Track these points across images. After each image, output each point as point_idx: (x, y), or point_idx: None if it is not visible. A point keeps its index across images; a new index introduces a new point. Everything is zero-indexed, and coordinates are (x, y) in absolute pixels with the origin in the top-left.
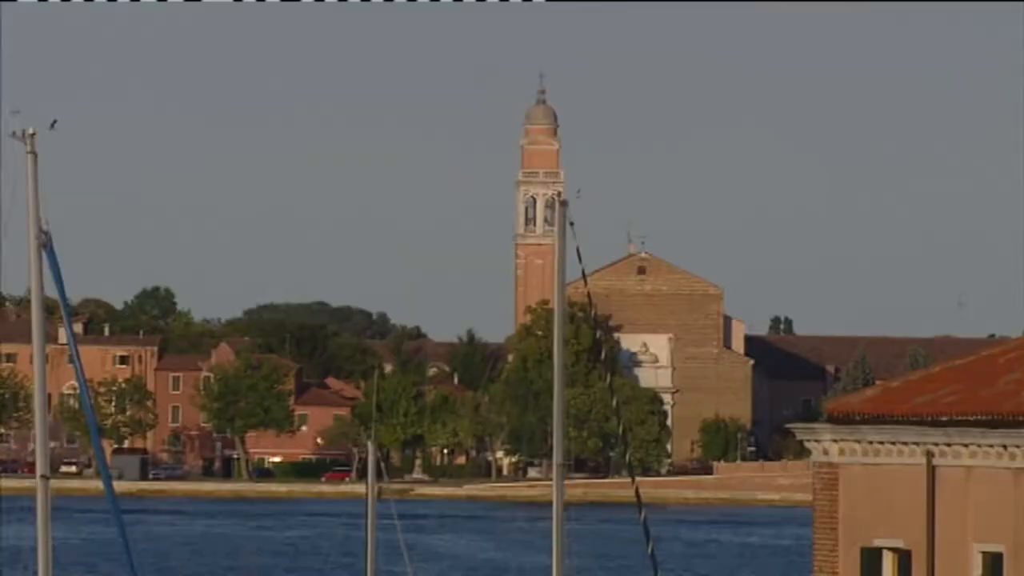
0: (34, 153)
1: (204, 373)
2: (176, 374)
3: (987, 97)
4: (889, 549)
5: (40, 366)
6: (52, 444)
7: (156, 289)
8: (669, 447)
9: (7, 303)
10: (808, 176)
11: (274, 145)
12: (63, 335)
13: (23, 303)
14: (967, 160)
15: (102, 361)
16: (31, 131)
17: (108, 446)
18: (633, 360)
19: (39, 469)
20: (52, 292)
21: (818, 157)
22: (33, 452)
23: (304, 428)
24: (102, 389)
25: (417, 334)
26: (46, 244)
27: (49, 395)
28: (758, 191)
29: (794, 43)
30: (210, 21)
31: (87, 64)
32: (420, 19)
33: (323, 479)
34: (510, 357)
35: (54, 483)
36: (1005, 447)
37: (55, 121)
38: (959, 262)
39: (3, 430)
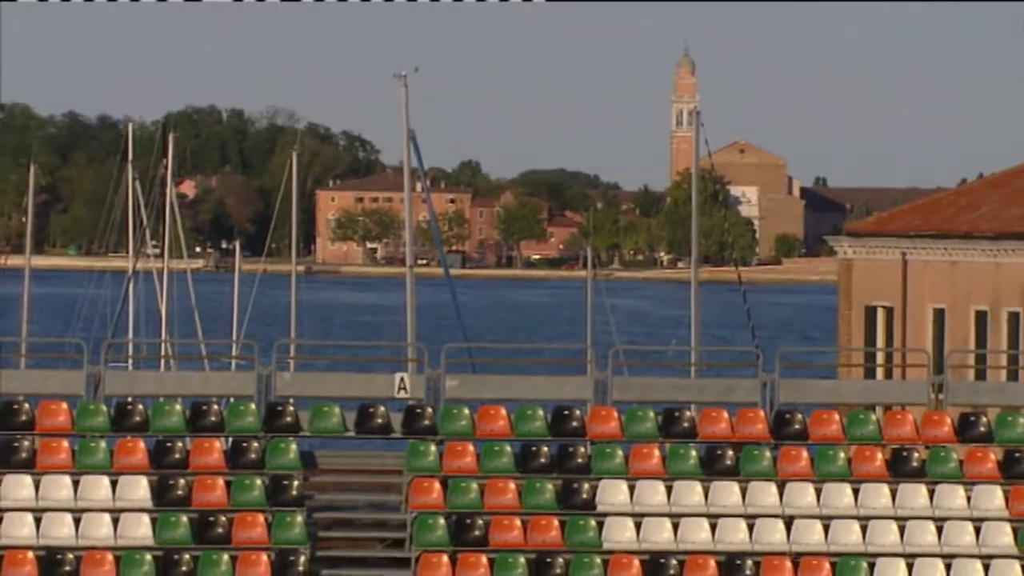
0: (406, 87)
1: (497, 208)
2: (481, 208)
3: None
4: (881, 307)
5: (409, 201)
6: (413, 247)
7: (469, 160)
8: (757, 250)
9: (387, 169)
10: (837, 86)
11: (532, 73)
12: (419, 187)
13: (397, 171)
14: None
15: (440, 202)
16: (404, 73)
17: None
18: (737, 201)
19: (408, 262)
20: (413, 163)
21: (843, 71)
22: (403, 253)
23: (552, 239)
24: (440, 217)
25: (616, 186)
26: (412, 138)
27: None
28: (807, 101)
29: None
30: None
31: (436, 22)
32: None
33: (563, 268)
34: (668, 199)
35: (416, 270)
36: (946, 249)
37: (417, 67)
38: (924, 138)
39: (385, 240)
